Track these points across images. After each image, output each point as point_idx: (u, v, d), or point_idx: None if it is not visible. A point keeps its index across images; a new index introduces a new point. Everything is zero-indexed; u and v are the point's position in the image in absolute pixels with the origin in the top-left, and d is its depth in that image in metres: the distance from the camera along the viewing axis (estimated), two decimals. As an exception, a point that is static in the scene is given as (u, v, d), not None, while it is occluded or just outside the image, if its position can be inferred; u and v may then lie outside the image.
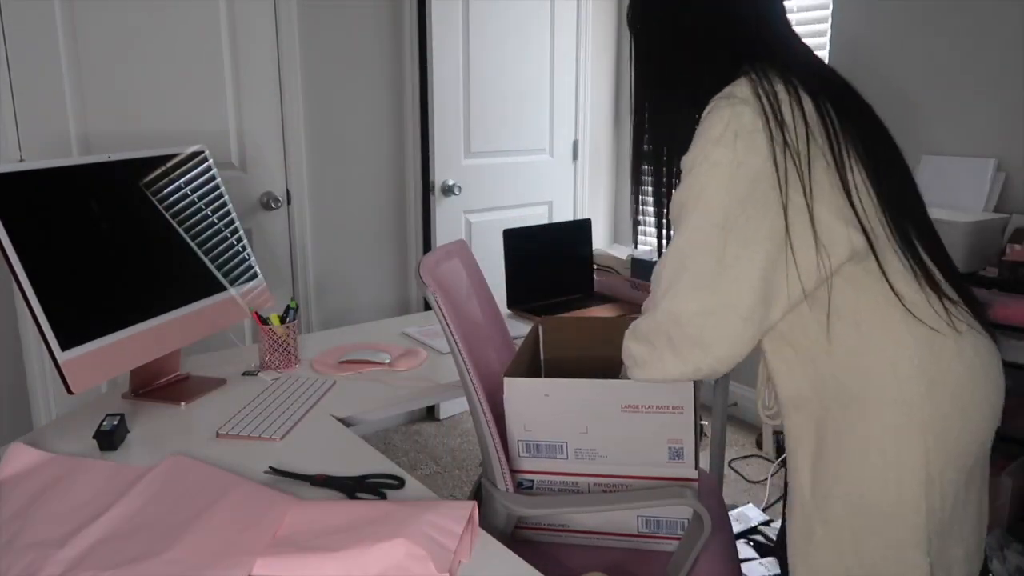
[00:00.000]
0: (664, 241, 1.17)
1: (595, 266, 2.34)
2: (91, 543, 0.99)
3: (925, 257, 1.05)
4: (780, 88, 1.00)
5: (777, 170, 0.97)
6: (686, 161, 1.02)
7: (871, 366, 1.01)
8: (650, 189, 1.26)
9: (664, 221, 1.18)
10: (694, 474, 1.28)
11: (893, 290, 1.01)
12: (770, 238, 0.97)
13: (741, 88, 1.00)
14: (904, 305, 1.01)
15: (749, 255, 0.97)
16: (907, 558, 1.02)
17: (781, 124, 0.97)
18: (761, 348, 1.13)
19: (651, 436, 1.27)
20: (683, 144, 1.05)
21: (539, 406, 1.29)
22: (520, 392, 1.29)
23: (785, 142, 0.97)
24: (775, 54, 1.06)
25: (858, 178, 1.01)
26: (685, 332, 1.01)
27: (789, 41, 1.10)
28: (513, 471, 1.33)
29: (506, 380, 1.28)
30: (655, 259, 2.19)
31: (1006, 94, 2.25)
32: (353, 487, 1.17)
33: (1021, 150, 2.24)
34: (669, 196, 1.15)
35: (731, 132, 0.97)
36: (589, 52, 3.39)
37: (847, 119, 1.02)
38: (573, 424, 1.29)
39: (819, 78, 1.05)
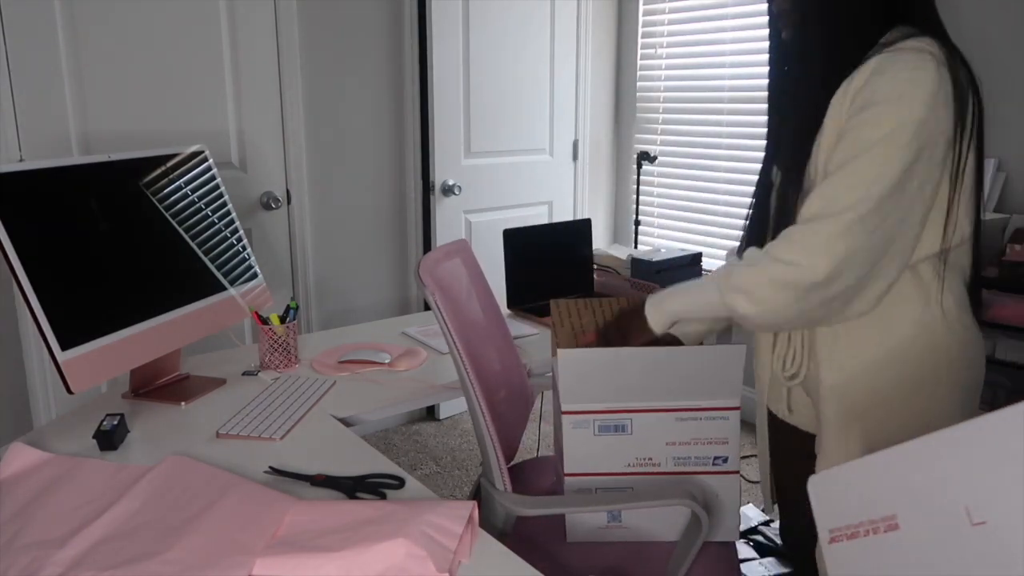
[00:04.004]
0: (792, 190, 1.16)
1: (595, 266, 2.34)
2: (91, 543, 0.99)
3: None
4: (956, 58, 1.06)
5: (956, 142, 1.05)
6: (879, 94, 1.03)
7: (932, 343, 1.12)
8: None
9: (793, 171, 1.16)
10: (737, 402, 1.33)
11: (965, 284, 1.14)
12: (928, 201, 1.07)
13: (931, 47, 1.03)
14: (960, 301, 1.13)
15: (913, 217, 1.05)
16: None
17: (962, 95, 1.04)
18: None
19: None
20: (818, 104, 1.10)
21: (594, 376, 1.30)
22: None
23: (961, 115, 1.05)
24: (929, 18, 1.12)
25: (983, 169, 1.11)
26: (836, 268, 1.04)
27: (937, 16, 1.14)
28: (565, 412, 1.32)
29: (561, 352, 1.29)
30: (655, 259, 2.19)
31: (1006, 94, 2.25)
32: (353, 487, 1.17)
33: (1021, 150, 2.24)
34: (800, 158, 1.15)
35: (942, 93, 1.02)
36: (589, 52, 3.38)
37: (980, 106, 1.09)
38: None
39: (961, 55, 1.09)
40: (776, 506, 1.43)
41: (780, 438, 1.37)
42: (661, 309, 1.24)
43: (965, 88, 1.05)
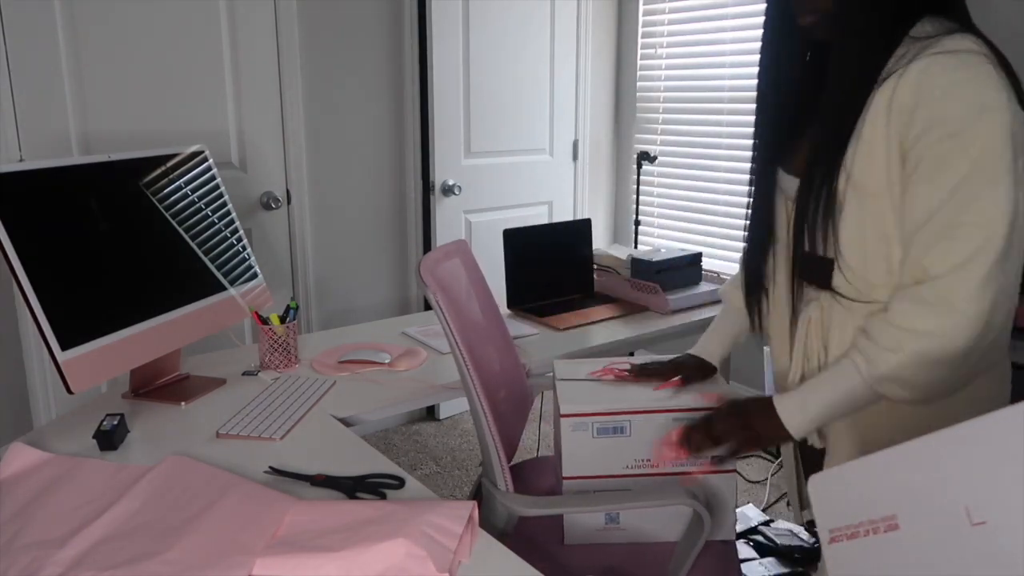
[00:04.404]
0: (825, 192, 1.04)
1: (595, 266, 2.34)
2: (91, 543, 0.99)
3: None
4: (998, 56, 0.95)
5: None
6: (953, 109, 0.91)
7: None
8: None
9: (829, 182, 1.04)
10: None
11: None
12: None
13: (980, 45, 0.93)
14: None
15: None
16: None
17: (1020, 97, 0.94)
18: (829, 314, 1.10)
19: None
20: (855, 107, 0.99)
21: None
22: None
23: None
24: (960, 8, 1.01)
25: None
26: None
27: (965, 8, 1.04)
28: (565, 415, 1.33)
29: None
30: (655, 259, 2.19)
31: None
32: (353, 487, 1.17)
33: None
34: (836, 162, 1.03)
35: (1011, 93, 0.92)
36: (589, 52, 3.38)
37: None
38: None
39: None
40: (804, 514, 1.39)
41: (806, 448, 1.31)
42: (805, 412, 1.04)
43: (1019, 87, 0.95)
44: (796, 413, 1.05)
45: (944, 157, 0.92)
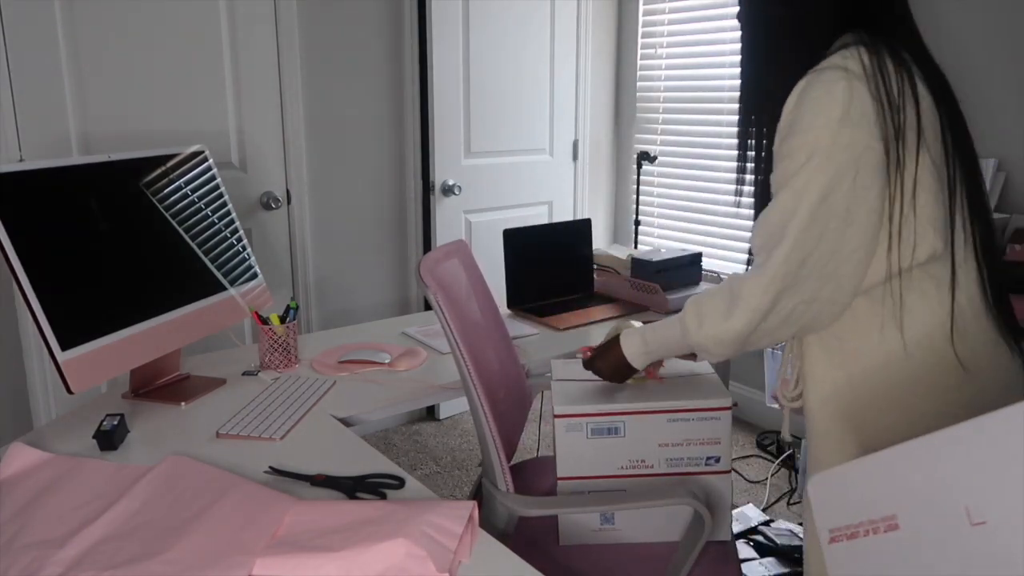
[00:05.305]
0: (758, 200, 1.18)
1: (595, 266, 2.34)
2: (91, 543, 0.99)
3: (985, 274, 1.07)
4: (890, 66, 1.01)
5: (895, 153, 1.00)
6: (794, 124, 1.02)
7: (912, 374, 1.05)
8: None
9: (756, 184, 1.18)
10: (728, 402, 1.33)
11: (954, 304, 1.04)
12: (868, 225, 1.02)
13: (852, 62, 1.00)
14: (953, 324, 1.05)
15: (848, 242, 1.02)
16: None
17: (893, 108, 0.99)
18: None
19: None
20: (775, 107, 1.07)
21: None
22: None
23: (896, 128, 0.99)
24: (887, 26, 1.06)
25: (956, 178, 1.05)
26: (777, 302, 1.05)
27: (904, 19, 1.09)
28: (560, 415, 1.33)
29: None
30: (655, 259, 2.19)
31: (1006, 94, 2.25)
32: (353, 487, 1.17)
33: (1021, 150, 2.24)
34: (766, 159, 1.14)
35: (855, 110, 0.98)
36: (589, 52, 3.38)
37: (948, 112, 1.05)
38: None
39: (929, 63, 1.06)
40: None
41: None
42: (644, 346, 1.26)
43: (898, 95, 0.99)
44: (635, 346, 1.27)
45: (777, 167, 1.05)
